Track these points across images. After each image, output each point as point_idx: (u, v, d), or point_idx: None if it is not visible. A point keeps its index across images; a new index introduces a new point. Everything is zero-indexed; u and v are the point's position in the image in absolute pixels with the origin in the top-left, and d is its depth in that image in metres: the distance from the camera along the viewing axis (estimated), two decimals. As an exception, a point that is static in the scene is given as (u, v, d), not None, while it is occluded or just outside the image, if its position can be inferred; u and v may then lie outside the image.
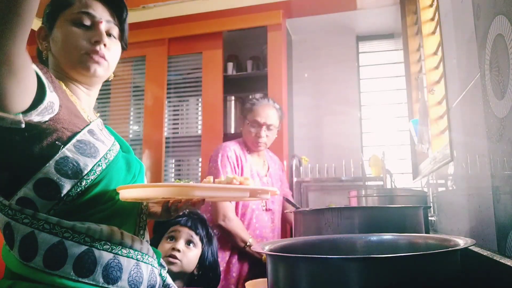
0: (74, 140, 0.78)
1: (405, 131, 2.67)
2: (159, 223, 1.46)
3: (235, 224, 1.73)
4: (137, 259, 0.83)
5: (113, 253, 0.78)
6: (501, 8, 0.62)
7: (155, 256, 0.90)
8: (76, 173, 0.76)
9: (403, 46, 2.35)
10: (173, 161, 2.97)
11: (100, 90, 0.99)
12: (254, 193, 0.86)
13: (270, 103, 1.93)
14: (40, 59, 0.94)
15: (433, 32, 1.74)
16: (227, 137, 2.85)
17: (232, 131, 2.92)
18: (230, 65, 2.99)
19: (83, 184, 0.77)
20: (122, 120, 3.01)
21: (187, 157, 2.93)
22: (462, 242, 0.53)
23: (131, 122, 3.03)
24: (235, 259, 1.78)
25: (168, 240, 1.42)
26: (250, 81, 3.04)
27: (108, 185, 0.82)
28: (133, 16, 2.88)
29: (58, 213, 0.76)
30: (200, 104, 2.89)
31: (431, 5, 1.79)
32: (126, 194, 0.80)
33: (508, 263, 0.58)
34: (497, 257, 0.63)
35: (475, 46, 0.77)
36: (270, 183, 1.93)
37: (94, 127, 0.85)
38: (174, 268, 1.36)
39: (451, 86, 1.08)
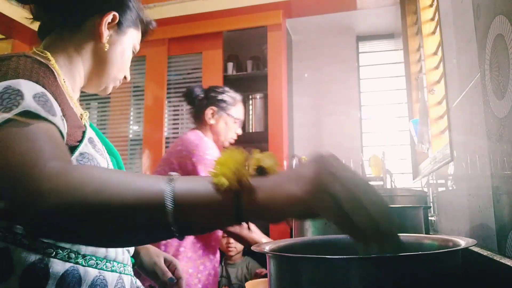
0: (76, 153, 0.66)
1: (405, 131, 2.67)
2: None
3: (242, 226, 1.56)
4: (120, 272, 0.74)
5: (98, 268, 0.68)
6: (501, 8, 0.62)
7: (130, 263, 0.81)
8: None
9: (403, 46, 2.35)
10: (173, 161, 2.97)
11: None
12: None
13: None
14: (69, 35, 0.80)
15: (433, 32, 1.74)
16: (227, 137, 2.85)
17: (232, 131, 2.91)
18: (230, 65, 2.99)
19: None
20: (122, 120, 3.01)
21: (187, 157, 2.93)
22: (463, 242, 0.53)
23: (131, 122, 3.03)
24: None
25: None
26: (250, 81, 3.04)
27: None
28: (133, 16, 2.87)
29: None
30: (200, 104, 2.89)
31: (431, 5, 1.79)
32: None
33: (508, 263, 0.58)
34: (497, 257, 0.63)
35: (475, 46, 0.77)
36: None
37: (92, 134, 0.74)
38: None
39: (451, 86, 1.08)
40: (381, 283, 0.43)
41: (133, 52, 0.89)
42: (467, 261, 0.64)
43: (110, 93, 0.93)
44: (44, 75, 0.64)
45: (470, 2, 0.80)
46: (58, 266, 0.63)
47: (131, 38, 0.86)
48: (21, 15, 2.83)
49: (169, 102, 2.95)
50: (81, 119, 0.77)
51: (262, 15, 2.75)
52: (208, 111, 1.74)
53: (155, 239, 0.49)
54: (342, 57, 3.16)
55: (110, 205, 0.44)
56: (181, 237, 0.45)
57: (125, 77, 0.89)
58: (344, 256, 0.44)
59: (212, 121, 1.74)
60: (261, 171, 0.48)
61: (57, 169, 0.46)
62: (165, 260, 0.98)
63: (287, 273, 0.50)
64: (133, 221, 0.44)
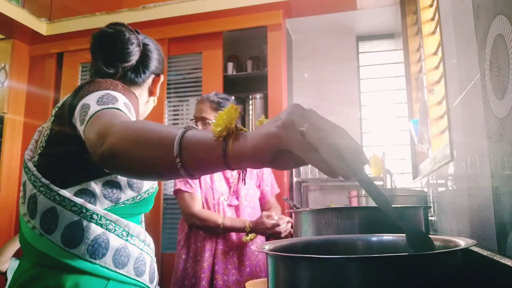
0: None
1: (405, 131, 2.67)
2: None
3: (201, 216, 1.75)
4: (151, 256, 0.91)
5: (140, 249, 0.86)
6: (501, 8, 0.62)
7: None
8: (139, 188, 0.87)
9: (403, 46, 2.35)
10: (173, 161, 2.98)
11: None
12: None
13: (204, 98, 1.98)
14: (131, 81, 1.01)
15: (433, 32, 1.74)
16: (227, 137, 2.85)
17: (232, 131, 2.91)
18: (230, 65, 2.99)
19: (138, 198, 0.88)
20: (122, 120, 3.01)
21: (187, 157, 2.93)
22: (463, 242, 0.53)
23: (131, 122, 3.03)
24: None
25: None
26: (250, 81, 3.05)
27: (151, 198, 0.93)
28: (133, 16, 2.87)
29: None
30: (200, 104, 2.89)
31: (431, 5, 1.79)
32: None
33: (508, 263, 0.58)
34: (497, 257, 0.63)
35: (475, 46, 0.77)
36: (235, 178, 1.88)
37: None
38: None
39: (451, 86, 1.08)
40: (380, 283, 0.43)
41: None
42: (467, 261, 0.64)
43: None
44: (129, 93, 0.87)
45: (470, 2, 0.80)
46: (115, 241, 0.81)
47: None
48: (21, 15, 2.83)
49: (169, 102, 2.95)
50: None
51: (262, 15, 2.75)
52: None
53: (169, 171, 0.59)
54: (342, 57, 3.17)
55: (145, 139, 0.60)
56: (184, 171, 0.56)
57: None
58: (344, 256, 0.44)
59: None
60: None
61: (120, 124, 0.66)
62: None
63: (287, 273, 0.50)
64: (157, 153, 0.58)
